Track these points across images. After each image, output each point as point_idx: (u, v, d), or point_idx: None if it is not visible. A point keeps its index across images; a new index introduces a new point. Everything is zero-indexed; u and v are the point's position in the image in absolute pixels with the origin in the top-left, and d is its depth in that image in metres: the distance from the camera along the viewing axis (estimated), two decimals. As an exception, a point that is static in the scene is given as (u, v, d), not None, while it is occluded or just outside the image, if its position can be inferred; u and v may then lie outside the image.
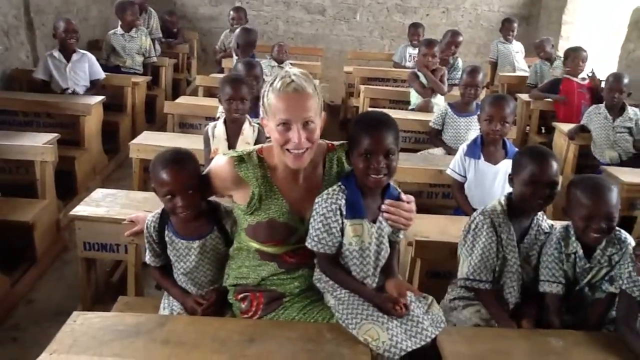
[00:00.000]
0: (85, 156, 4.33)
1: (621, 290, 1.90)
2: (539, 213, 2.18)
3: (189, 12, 7.96)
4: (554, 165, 2.10)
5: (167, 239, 2.03)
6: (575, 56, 4.97)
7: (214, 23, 8.07)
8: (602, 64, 5.78)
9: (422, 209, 2.97)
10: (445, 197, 3.41)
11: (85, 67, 4.79)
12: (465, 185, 3.07)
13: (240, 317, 1.94)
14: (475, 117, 3.57)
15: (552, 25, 7.60)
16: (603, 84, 4.99)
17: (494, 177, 2.96)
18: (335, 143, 1.97)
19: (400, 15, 8.17)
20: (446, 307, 2.20)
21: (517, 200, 2.15)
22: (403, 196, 1.90)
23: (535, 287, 2.13)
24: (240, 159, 1.88)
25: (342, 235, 1.83)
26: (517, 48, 6.78)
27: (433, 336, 1.76)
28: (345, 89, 6.68)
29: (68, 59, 4.70)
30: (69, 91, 4.66)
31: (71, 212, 2.56)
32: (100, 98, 4.53)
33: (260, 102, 1.85)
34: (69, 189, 4.07)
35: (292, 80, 1.76)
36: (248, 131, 2.98)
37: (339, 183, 1.85)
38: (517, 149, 2.71)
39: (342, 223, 1.82)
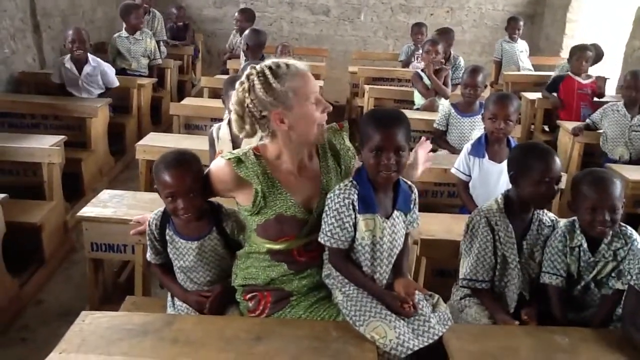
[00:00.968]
0: (92, 158, 4.36)
1: (629, 285, 1.89)
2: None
3: (193, 13, 7.99)
4: (558, 161, 2.12)
5: (167, 237, 2.04)
6: (579, 55, 4.94)
7: (218, 25, 8.10)
8: (607, 61, 5.76)
9: (427, 208, 2.99)
10: (450, 196, 3.41)
11: (98, 79, 4.73)
12: (470, 184, 3.08)
13: (248, 316, 1.95)
14: (479, 116, 3.58)
15: (556, 24, 7.59)
16: (606, 83, 5.01)
17: (498, 175, 2.96)
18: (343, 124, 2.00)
19: (404, 15, 8.17)
20: (454, 309, 2.20)
21: (522, 199, 2.16)
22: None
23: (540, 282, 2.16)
24: (238, 160, 1.88)
25: (355, 230, 1.84)
26: (521, 47, 6.77)
27: (440, 334, 1.77)
28: (350, 89, 6.69)
29: (80, 70, 4.64)
30: None
31: (78, 213, 2.58)
32: (106, 100, 4.56)
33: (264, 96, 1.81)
34: (76, 190, 4.10)
35: (292, 63, 1.84)
36: (253, 132, 2.98)
37: (351, 178, 1.87)
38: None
39: (355, 218, 1.83)
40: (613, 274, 2.03)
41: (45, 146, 3.43)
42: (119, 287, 2.97)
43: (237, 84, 1.88)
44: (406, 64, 6.49)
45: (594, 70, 5.15)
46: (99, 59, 4.80)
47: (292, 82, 1.79)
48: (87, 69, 4.66)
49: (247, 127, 1.86)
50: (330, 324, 1.82)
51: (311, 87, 1.81)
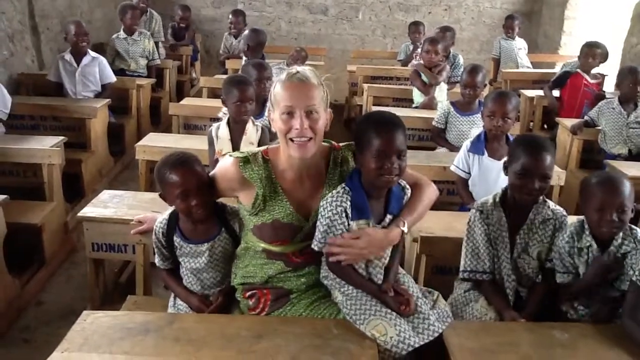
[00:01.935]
0: (92, 158, 4.36)
1: (631, 281, 1.89)
2: (540, 200, 2.16)
3: (191, 13, 7.97)
4: (547, 159, 2.10)
5: (175, 244, 2.04)
6: (588, 52, 4.92)
7: (216, 25, 8.10)
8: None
9: (426, 206, 3.00)
10: (450, 194, 3.41)
11: (95, 72, 4.79)
12: (470, 181, 3.09)
13: (248, 314, 1.96)
14: (478, 115, 3.59)
15: (554, 21, 7.60)
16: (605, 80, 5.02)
17: (498, 172, 2.96)
18: (341, 144, 1.98)
19: (402, 13, 8.17)
20: (458, 302, 2.21)
21: (510, 191, 2.17)
22: (346, 235, 1.83)
23: (538, 277, 2.17)
24: (246, 160, 1.89)
25: None
26: (520, 45, 6.77)
27: (440, 331, 1.78)
28: (349, 88, 6.70)
29: (79, 62, 4.71)
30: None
31: (79, 214, 2.59)
32: (105, 101, 4.57)
33: (269, 99, 1.89)
34: (76, 191, 4.11)
35: (297, 72, 1.81)
36: (252, 131, 2.99)
37: (343, 185, 1.86)
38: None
39: (348, 225, 1.83)
40: (620, 275, 2.00)
41: (45, 147, 3.44)
42: (120, 287, 2.98)
43: None
44: (405, 63, 6.50)
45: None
46: (97, 54, 4.88)
47: (278, 87, 1.82)
48: (85, 60, 4.73)
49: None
50: (331, 321, 1.82)
51: (286, 97, 1.78)
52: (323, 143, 1.92)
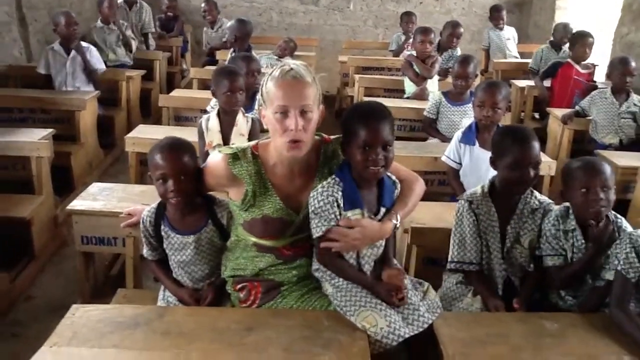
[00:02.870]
0: (81, 151, 4.33)
1: (616, 270, 1.91)
2: (527, 191, 2.18)
3: (181, 4, 7.91)
4: (536, 146, 2.12)
5: (163, 233, 2.04)
6: (581, 42, 4.93)
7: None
8: (596, 48, 5.77)
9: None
10: (441, 184, 3.42)
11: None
12: (461, 172, 3.09)
13: (239, 307, 1.95)
14: (469, 105, 3.59)
15: (545, 11, 7.59)
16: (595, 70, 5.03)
17: (489, 163, 2.97)
18: (332, 137, 1.97)
19: (393, 3, 8.15)
20: (447, 295, 2.21)
21: (501, 183, 2.17)
22: (342, 222, 1.83)
23: (529, 266, 2.18)
24: (235, 157, 1.88)
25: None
26: (508, 34, 6.78)
27: (430, 322, 1.79)
28: (340, 79, 6.68)
29: (69, 53, 4.67)
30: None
31: (68, 207, 2.57)
32: (94, 93, 4.53)
33: (259, 93, 1.86)
34: (66, 184, 4.07)
35: (291, 69, 1.77)
36: (242, 123, 2.97)
37: (334, 176, 1.86)
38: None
39: (340, 215, 1.82)
40: (606, 265, 2.02)
41: (33, 140, 3.41)
42: (110, 280, 2.96)
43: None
44: (397, 53, 6.49)
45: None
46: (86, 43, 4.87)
47: (271, 85, 1.78)
48: (74, 51, 4.67)
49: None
50: (322, 313, 1.82)
51: (280, 96, 1.75)
52: (315, 137, 1.91)
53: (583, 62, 4.97)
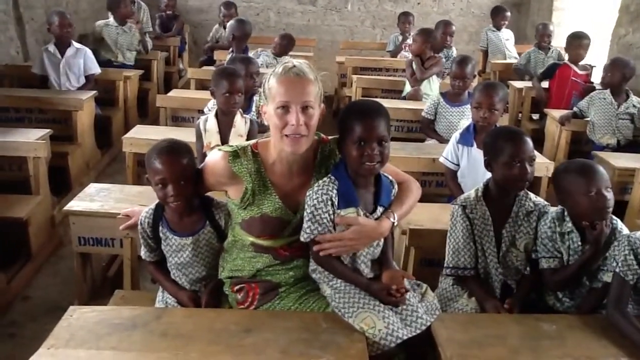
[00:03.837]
0: (79, 151, 4.32)
1: (614, 272, 1.91)
2: (522, 194, 2.18)
3: (179, 4, 7.89)
4: (529, 141, 2.13)
5: (161, 234, 2.03)
6: (577, 44, 4.95)
7: (204, 15, 8.04)
8: (594, 49, 5.78)
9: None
10: (438, 186, 3.42)
11: (80, 64, 4.74)
12: (459, 173, 3.09)
13: (237, 308, 1.95)
14: (468, 106, 3.59)
15: (542, 12, 7.60)
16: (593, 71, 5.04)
17: (485, 165, 2.98)
18: (330, 137, 1.97)
19: (391, 4, 8.14)
20: (443, 297, 2.21)
21: (499, 184, 2.17)
22: (337, 219, 1.84)
23: (526, 269, 2.18)
24: (235, 155, 1.88)
25: (335, 225, 1.84)
26: (506, 35, 6.77)
27: (428, 324, 1.79)
28: (338, 79, 6.68)
29: (63, 54, 4.66)
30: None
31: (65, 207, 2.56)
32: (92, 93, 4.52)
33: (261, 90, 1.87)
34: (63, 184, 4.07)
35: (294, 66, 1.79)
36: (240, 124, 2.97)
37: (329, 175, 1.86)
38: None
39: (333, 214, 1.82)
40: (603, 267, 2.02)
41: (30, 140, 3.40)
42: (108, 281, 2.96)
43: None
44: (395, 54, 6.49)
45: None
46: (82, 45, 4.84)
47: (273, 81, 1.80)
48: (69, 51, 4.68)
49: None
50: (320, 315, 1.82)
51: (282, 92, 1.76)
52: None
53: (581, 64, 4.98)
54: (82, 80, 4.78)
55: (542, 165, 3.21)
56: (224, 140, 2.91)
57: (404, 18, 6.59)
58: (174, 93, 4.71)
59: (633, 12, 5.17)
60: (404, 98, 4.83)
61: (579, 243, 2.07)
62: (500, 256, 2.15)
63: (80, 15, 6.52)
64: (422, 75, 4.71)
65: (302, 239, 1.85)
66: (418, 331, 1.76)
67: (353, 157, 1.80)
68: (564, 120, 4.37)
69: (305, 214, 1.84)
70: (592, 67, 5.06)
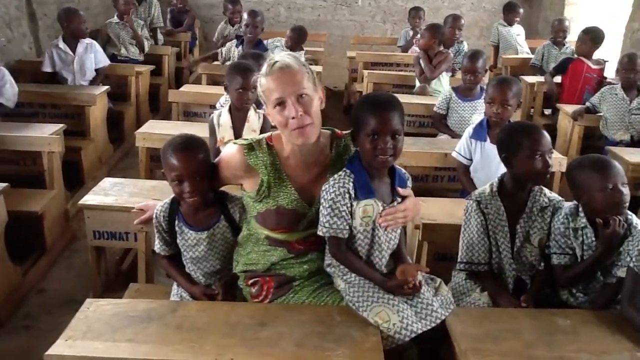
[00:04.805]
0: (92, 146, 4.35)
1: (628, 267, 1.90)
2: (536, 189, 2.17)
3: (189, -1, 7.94)
4: (546, 134, 2.14)
5: (177, 228, 2.04)
6: (590, 38, 4.91)
7: (214, 10, 8.04)
8: (606, 44, 5.74)
9: (427, 193, 2.99)
10: (451, 181, 3.42)
11: (92, 58, 4.81)
12: (471, 168, 3.08)
13: (251, 302, 1.96)
14: (480, 100, 3.58)
15: (555, 6, 7.54)
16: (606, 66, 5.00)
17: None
18: (345, 132, 1.97)
19: (402, -2, 8.12)
20: (456, 291, 2.21)
21: (519, 178, 2.15)
22: (401, 190, 1.90)
23: (540, 265, 2.17)
24: (250, 147, 1.90)
25: (352, 218, 1.84)
26: (517, 31, 6.72)
27: (443, 318, 1.79)
28: (349, 74, 6.67)
29: (74, 50, 4.70)
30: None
31: (80, 201, 2.59)
32: (104, 88, 4.55)
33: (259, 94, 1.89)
34: (76, 179, 4.10)
35: (277, 61, 1.80)
36: (254, 119, 2.98)
37: (345, 169, 1.86)
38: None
39: (351, 206, 1.83)
40: (617, 262, 2.01)
41: (44, 135, 3.43)
42: (122, 274, 2.98)
43: None
44: (406, 49, 6.47)
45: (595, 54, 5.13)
46: (90, 39, 4.91)
47: (263, 81, 1.82)
48: (80, 47, 4.72)
49: None
50: (334, 308, 1.83)
51: (273, 89, 1.78)
52: (326, 130, 1.92)
53: (594, 58, 4.94)
54: (94, 74, 4.82)
55: (555, 161, 3.17)
56: (238, 135, 2.92)
57: (415, 13, 6.57)
58: (185, 88, 4.73)
59: (647, 6, 5.13)
60: (413, 93, 4.82)
61: (593, 239, 2.06)
62: (514, 251, 2.15)
63: (92, 11, 6.56)
64: (432, 75, 4.69)
65: (320, 233, 1.85)
66: (433, 325, 1.76)
67: (366, 150, 1.81)
68: (577, 115, 4.33)
69: (322, 208, 1.84)
70: (605, 61, 5.01)
